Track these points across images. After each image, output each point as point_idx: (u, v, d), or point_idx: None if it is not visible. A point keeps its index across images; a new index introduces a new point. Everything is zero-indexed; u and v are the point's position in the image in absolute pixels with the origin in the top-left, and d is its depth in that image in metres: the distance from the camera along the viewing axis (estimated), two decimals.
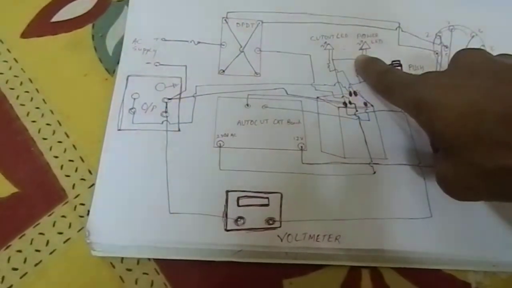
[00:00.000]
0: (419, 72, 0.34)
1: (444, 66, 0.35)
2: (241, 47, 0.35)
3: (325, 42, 0.36)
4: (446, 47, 0.36)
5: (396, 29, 0.36)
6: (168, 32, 0.35)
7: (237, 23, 0.36)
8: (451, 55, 0.35)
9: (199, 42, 0.35)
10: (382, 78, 0.31)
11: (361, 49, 0.36)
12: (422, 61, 0.35)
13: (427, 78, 0.26)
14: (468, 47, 0.28)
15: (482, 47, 0.35)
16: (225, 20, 0.36)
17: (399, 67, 0.35)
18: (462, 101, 0.23)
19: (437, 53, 0.36)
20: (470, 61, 0.26)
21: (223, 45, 0.35)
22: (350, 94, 0.34)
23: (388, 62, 0.35)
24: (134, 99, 0.32)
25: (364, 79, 0.34)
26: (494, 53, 0.27)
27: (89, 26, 0.37)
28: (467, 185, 0.24)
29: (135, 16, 0.36)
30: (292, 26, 0.37)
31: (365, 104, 0.33)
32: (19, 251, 0.29)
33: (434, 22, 0.37)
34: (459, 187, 0.25)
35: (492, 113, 0.22)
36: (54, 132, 0.32)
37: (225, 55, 0.35)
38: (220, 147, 0.31)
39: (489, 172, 0.22)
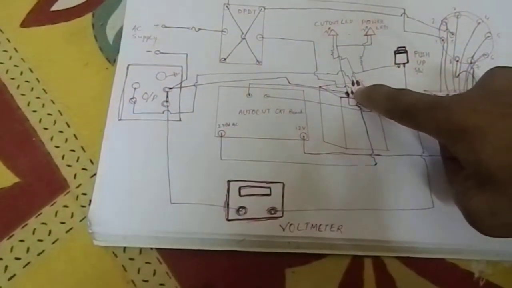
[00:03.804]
0: (425, 58, 0.34)
1: (450, 53, 0.34)
2: (242, 34, 0.35)
3: (329, 28, 0.35)
4: (452, 33, 0.35)
5: (402, 15, 0.36)
6: (168, 18, 0.35)
7: (239, 9, 0.36)
8: (457, 42, 0.34)
9: (200, 29, 0.34)
10: (395, 101, 0.28)
11: (366, 35, 0.35)
12: (428, 48, 0.35)
13: (465, 102, 0.24)
14: (500, 65, 0.26)
15: (488, 34, 0.35)
16: (226, 6, 0.36)
17: (404, 54, 0.35)
18: (511, 131, 0.22)
19: (443, 40, 0.35)
20: (510, 84, 0.24)
21: (225, 32, 0.35)
22: (353, 84, 0.33)
23: (393, 48, 0.35)
24: (135, 88, 0.32)
25: (371, 107, 0.32)
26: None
27: (89, 14, 0.36)
28: (508, 222, 0.22)
29: (135, 2, 0.35)
30: (295, 12, 0.36)
31: None
32: (22, 240, 0.29)
33: (440, 8, 0.36)
34: (497, 224, 0.23)
35: None
36: (55, 122, 0.32)
37: (227, 43, 0.34)
38: (221, 136, 0.31)
39: None
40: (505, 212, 0.22)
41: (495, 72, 0.26)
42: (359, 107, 0.32)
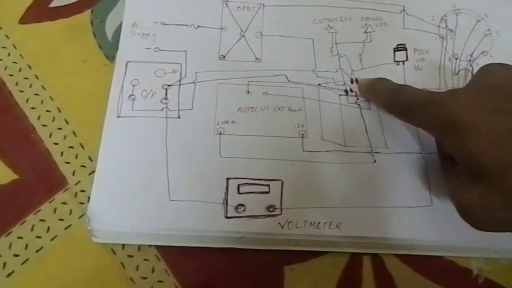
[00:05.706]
0: (424, 56, 0.34)
1: (450, 50, 0.34)
2: (242, 31, 0.35)
3: (329, 25, 0.35)
4: (452, 31, 0.35)
5: (401, 12, 0.36)
6: (167, 15, 0.35)
7: (238, 7, 0.35)
8: (457, 39, 0.34)
9: (199, 26, 0.34)
10: (395, 96, 0.28)
11: (365, 32, 0.35)
12: (427, 45, 0.35)
13: (457, 97, 0.24)
14: (494, 62, 0.26)
15: (487, 32, 0.35)
16: (225, 3, 0.35)
17: (404, 51, 0.34)
18: (503, 127, 0.22)
19: (442, 37, 0.35)
20: (502, 80, 0.24)
21: (224, 29, 0.35)
22: (352, 82, 0.33)
23: (393, 45, 0.35)
24: (134, 85, 0.32)
25: (373, 100, 0.32)
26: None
27: (88, 11, 0.36)
28: (500, 216, 0.22)
29: None
30: (295, 9, 0.36)
31: None
32: (20, 237, 0.29)
33: (440, 5, 0.36)
34: (489, 218, 0.23)
35: None
36: (53, 119, 0.32)
37: (226, 40, 0.34)
38: (220, 134, 0.31)
39: None
40: (497, 207, 0.22)
41: (488, 69, 0.26)
42: (358, 104, 0.32)
